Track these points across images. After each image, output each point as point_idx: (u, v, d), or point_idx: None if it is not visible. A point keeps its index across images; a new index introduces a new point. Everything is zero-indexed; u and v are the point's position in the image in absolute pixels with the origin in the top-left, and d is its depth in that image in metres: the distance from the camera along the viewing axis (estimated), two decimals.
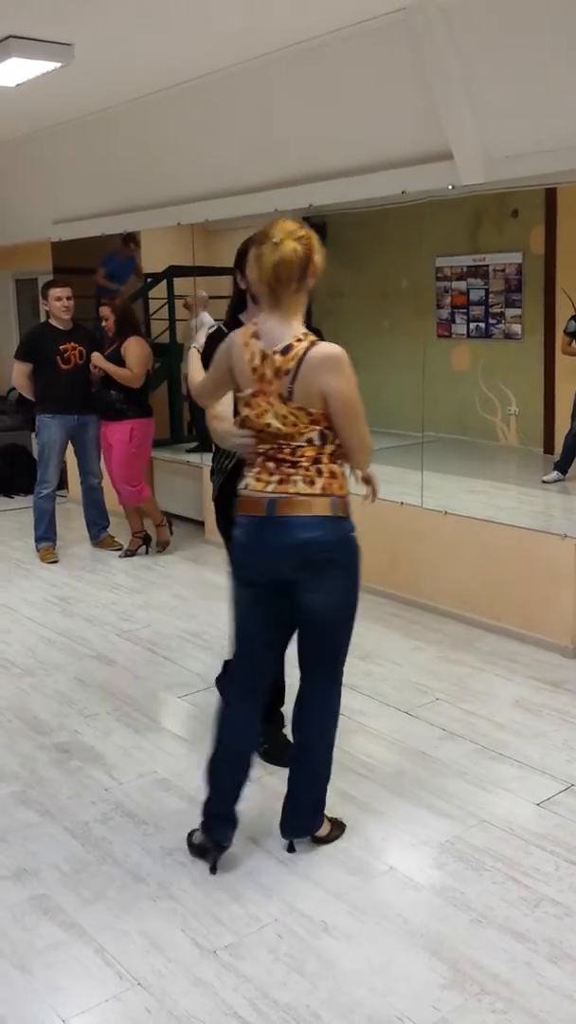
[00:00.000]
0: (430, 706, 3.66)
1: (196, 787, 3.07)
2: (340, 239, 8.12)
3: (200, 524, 6.37)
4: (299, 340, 2.44)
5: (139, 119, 5.69)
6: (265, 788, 3.07)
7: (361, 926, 2.41)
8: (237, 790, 2.65)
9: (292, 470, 2.46)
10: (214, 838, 2.65)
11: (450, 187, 4.48)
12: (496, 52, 3.91)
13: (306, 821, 2.73)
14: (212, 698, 3.79)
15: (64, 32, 4.21)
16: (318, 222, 8.21)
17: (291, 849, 2.72)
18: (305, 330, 2.49)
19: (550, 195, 6.63)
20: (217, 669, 4.07)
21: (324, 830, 2.77)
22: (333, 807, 2.90)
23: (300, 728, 2.73)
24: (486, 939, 2.35)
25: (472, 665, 4.07)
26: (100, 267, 7.44)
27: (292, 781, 2.72)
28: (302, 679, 2.70)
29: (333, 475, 2.49)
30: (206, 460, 6.34)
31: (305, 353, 2.41)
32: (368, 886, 2.57)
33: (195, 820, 2.88)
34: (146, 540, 5.92)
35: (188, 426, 7.93)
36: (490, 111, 4.07)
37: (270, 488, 2.48)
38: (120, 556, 5.82)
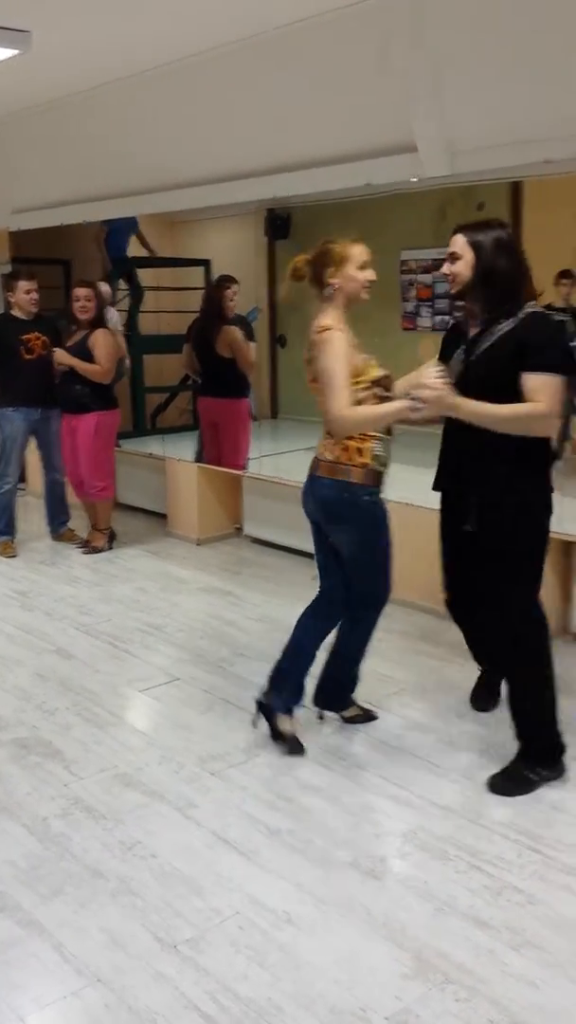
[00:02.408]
0: (394, 697, 3.65)
1: (157, 782, 3.04)
2: (305, 231, 8.11)
3: (163, 517, 6.31)
4: (314, 331, 3.02)
5: (100, 108, 5.62)
6: (228, 782, 3.05)
7: (323, 917, 2.38)
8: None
9: (326, 440, 3.10)
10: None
11: (414, 179, 4.47)
12: (462, 44, 3.90)
13: (328, 697, 3.36)
14: (173, 691, 3.76)
15: (22, 19, 4.14)
16: (283, 214, 8.23)
17: (320, 717, 3.39)
18: (326, 322, 3.03)
19: (515, 189, 6.67)
20: (179, 662, 4.04)
21: (350, 712, 3.40)
22: (297, 798, 2.91)
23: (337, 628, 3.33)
24: (449, 928, 2.34)
25: (436, 656, 4.07)
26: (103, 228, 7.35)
27: (325, 664, 3.34)
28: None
29: (346, 448, 3.03)
30: (169, 452, 6.30)
31: (312, 338, 3.01)
32: (331, 877, 2.54)
33: (156, 815, 2.87)
34: (111, 536, 5.85)
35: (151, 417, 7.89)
36: (455, 103, 4.06)
37: (316, 452, 3.16)
38: (83, 552, 5.74)
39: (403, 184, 4.69)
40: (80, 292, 5.53)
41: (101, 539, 5.79)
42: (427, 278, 7.49)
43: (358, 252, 3.07)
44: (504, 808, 2.85)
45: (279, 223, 8.22)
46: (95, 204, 6.37)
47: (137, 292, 7.88)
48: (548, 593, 4.16)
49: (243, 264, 7.87)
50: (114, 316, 6.97)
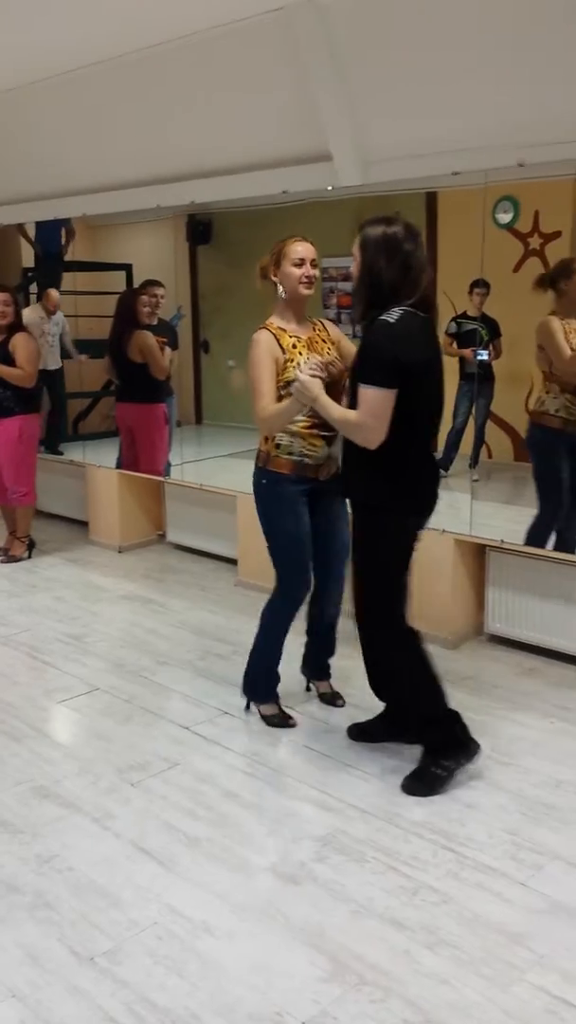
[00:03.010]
0: (315, 701, 3.68)
1: (75, 794, 3.01)
2: (226, 237, 8.10)
3: (84, 524, 6.24)
4: None
5: (20, 110, 5.53)
6: (147, 791, 3.03)
7: (241, 924, 2.39)
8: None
9: None
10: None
11: (329, 188, 4.52)
12: (374, 54, 3.96)
13: (245, 685, 3.54)
14: (92, 702, 3.72)
15: None
16: (204, 219, 8.21)
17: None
18: (266, 323, 3.26)
19: (431, 199, 6.76)
20: (98, 672, 4.01)
21: (267, 710, 3.50)
22: (217, 806, 2.92)
23: None
24: (366, 930, 2.37)
25: (357, 659, 4.10)
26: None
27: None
28: None
29: (266, 440, 3.24)
30: (90, 458, 6.24)
31: None
32: (249, 884, 2.56)
33: (73, 827, 2.84)
34: (31, 544, 5.76)
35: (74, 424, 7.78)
36: (367, 114, 4.12)
37: None
38: (2, 562, 5.64)
39: (321, 192, 4.73)
40: (2, 297, 5.43)
41: (20, 547, 5.70)
42: (347, 285, 7.55)
43: (295, 249, 3.21)
44: (420, 808, 2.90)
45: (200, 228, 8.20)
46: (14, 207, 6.28)
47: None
48: (462, 594, 4.28)
49: (165, 268, 7.82)
50: (61, 319, 6.93)
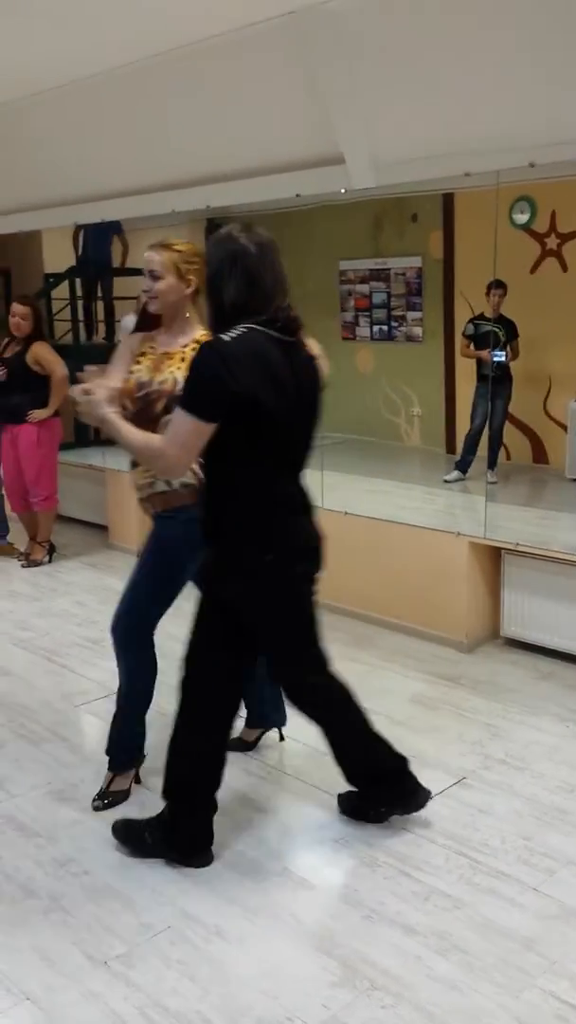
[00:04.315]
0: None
1: (91, 797, 3.04)
2: None
3: (103, 528, 6.29)
4: None
5: (37, 116, 5.58)
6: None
7: (254, 928, 2.41)
8: None
9: None
10: None
11: (343, 191, 4.53)
12: (385, 57, 3.96)
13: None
14: (111, 706, 3.73)
15: None
16: (222, 223, 8.25)
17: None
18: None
19: (447, 200, 6.77)
20: (117, 676, 4.02)
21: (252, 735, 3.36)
22: (235, 811, 2.93)
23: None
24: (377, 935, 2.38)
25: (371, 663, 4.12)
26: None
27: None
28: None
29: None
30: (109, 463, 6.28)
31: None
32: (262, 888, 2.57)
33: (90, 832, 2.86)
34: (51, 549, 5.81)
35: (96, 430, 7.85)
36: (380, 116, 4.13)
37: None
38: (23, 566, 5.69)
39: (337, 195, 4.74)
40: (17, 310, 5.51)
41: (41, 552, 5.75)
42: (365, 288, 7.57)
43: (144, 257, 2.82)
44: (433, 814, 2.90)
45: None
46: (32, 214, 6.34)
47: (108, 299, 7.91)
48: (477, 598, 4.27)
49: None
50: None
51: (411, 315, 7.30)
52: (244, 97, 4.61)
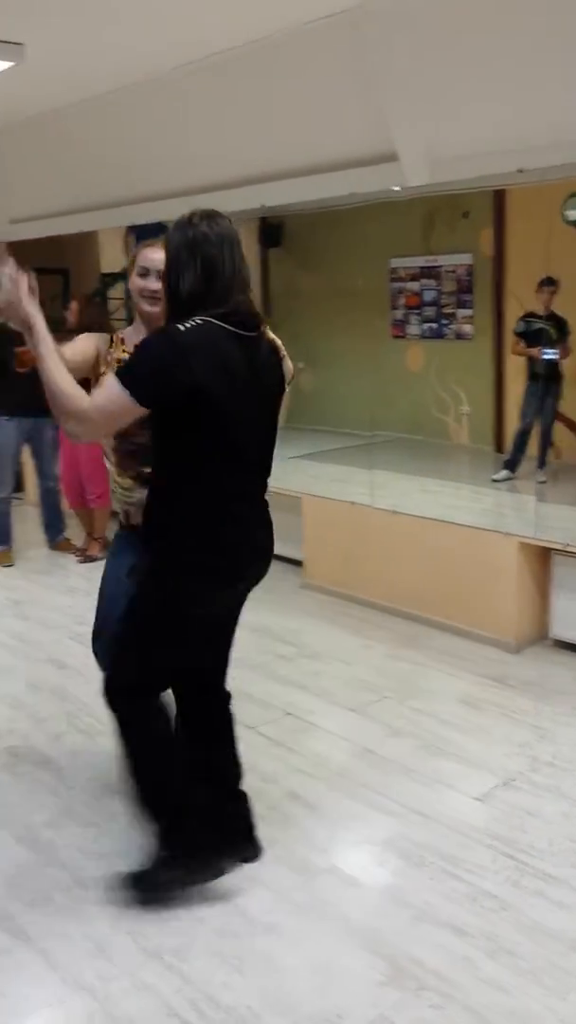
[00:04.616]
0: (377, 704, 3.71)
1: None
2: (296, 239, 8.16)
3: None
4: None
5: (94, 118, 5.67)
6: None
7: (303, 925, 2.45)
8: None
9: None
10: None
11: (397, 188, 4.53)
12: (438, 54, 3.95)
13: None
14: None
15: (14, 31, 4.20)
16: (275, 223, 8.28)
17: None
18: None
19: (499, 197, 6.72)
20: None
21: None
22: (280, 806, 2.97)
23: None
24: (425, 935, 2.40)
25: (419, 663, 4.14)
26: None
27: None
28: None
29: None
30: None
31: None
32: (311, 885, 2.61)
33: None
34: (106, 544, 5.91)
35: None
36: (434, 112, 4.12)
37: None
38: (80, 561, 5.80)
39: (390, 193, 4.74)
40: (71, 305, 5.69)
41: (97, 547, 5.85)
42: (415, 286, 7.55)
43: (143, 255, 2.67)
44: (481, 815, 2.92)
45: (272, 231, 8.28)
46: (89, 215, 6.43)
47: None
48: (526, 598, 4.25)
49: None
50: None
51: (461, 312, 7.27)
52: (298, 95, 4.63)
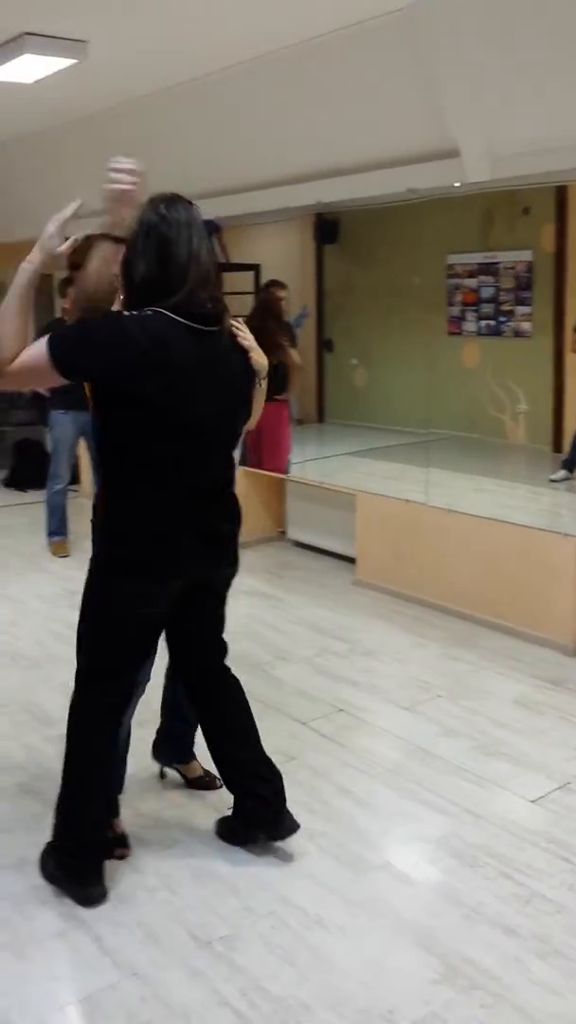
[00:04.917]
0: (430, 703, 3.69)
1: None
2: (352, 236, 8.15)
3: None
4: None
5: (148, 116, 5.72)
6: None
7: (354, 920, 2.44)
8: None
9: None
10: None
11: (457, 184, 4.50)
12: (500, 49, 3.92)
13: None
14: None
15: (78, 29, 4.26)
16: (331, 219, 8.28)
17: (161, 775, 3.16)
18: None
19: (560, 193, 6.63)
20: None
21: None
22: (332, 801, 2.97)
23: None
24: (477, 934, 2.38)
25: (473, 662, 4.10)
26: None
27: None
28: None
29: None
30: None
31: None
32: (362, 880, 2.60)
33: (196, 811, 2.94)
34: None
35: None
36: (495, 108, 4.08)
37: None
38: None
39: (448, 189, 4.70)
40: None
41: None
42: (473, 282, 7.48)
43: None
44: (536, 817, 2.88)
45: (328, 228, 8.27)
46: None
47: None
48: (565, 600, 4.19)
49: (292, 268, 7.93)
50: None
51: (520, 310, 7.18)
52: (357, 91, 4.63)
